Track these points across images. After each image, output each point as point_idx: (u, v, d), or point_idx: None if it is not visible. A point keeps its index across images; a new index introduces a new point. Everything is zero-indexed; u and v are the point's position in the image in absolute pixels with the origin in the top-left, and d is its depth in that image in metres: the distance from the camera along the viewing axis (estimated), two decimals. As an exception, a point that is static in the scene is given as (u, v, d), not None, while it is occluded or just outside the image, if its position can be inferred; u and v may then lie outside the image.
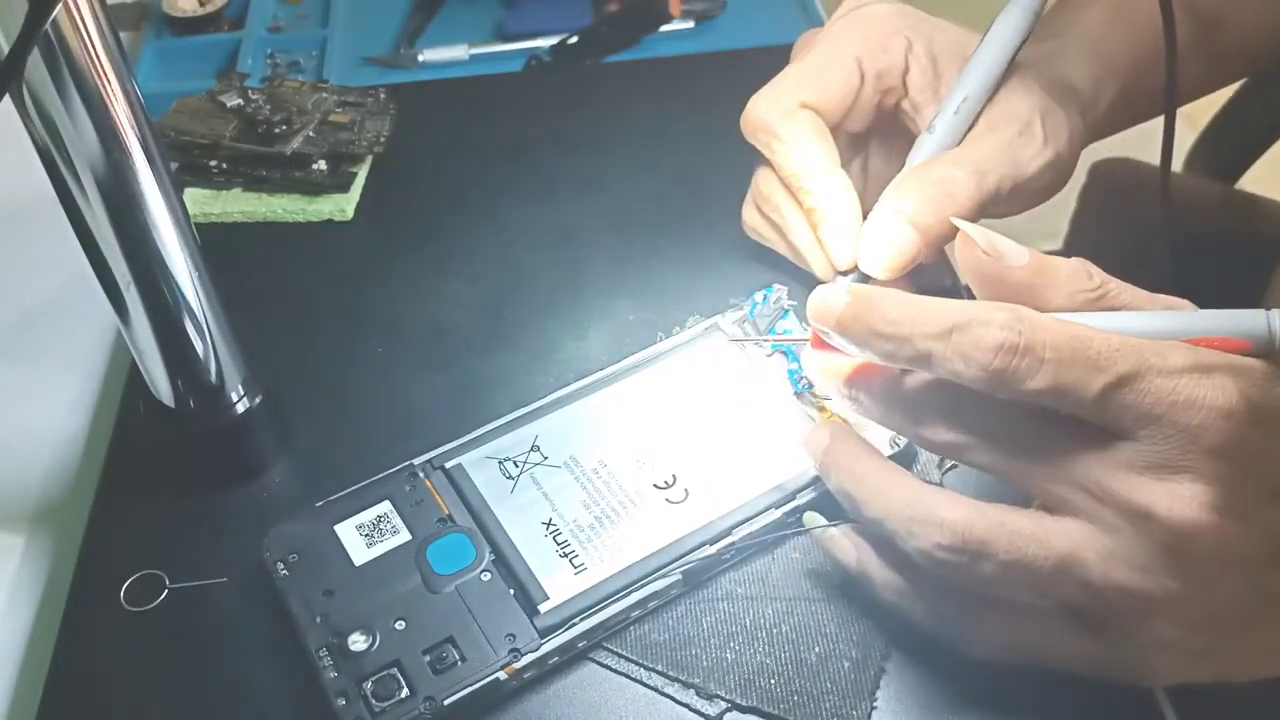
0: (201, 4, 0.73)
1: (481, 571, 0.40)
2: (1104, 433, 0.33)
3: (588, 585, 0.39)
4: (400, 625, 0.39)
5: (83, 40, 0.34)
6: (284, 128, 0.58)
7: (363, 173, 0.59)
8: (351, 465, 0.44)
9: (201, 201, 0.58)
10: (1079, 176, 0.56)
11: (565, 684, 0.39)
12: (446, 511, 0.42)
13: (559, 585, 0.39)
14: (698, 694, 0.38)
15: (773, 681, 0.38)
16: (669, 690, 0.38)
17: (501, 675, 0.37)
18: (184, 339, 0.42)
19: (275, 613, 0.40)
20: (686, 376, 0.47)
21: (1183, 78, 0.53)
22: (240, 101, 0.59)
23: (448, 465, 0.43)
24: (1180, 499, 0.32)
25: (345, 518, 0.42)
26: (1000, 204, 0.45)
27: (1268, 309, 0.35)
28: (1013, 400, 0.33)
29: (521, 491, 0.42)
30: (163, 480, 0.45)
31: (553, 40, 0.69)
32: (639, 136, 0.61)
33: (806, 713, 0.38)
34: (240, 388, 0.44)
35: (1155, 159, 0.49)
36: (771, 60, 0.50)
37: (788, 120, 0.47)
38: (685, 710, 0.38)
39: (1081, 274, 0.35)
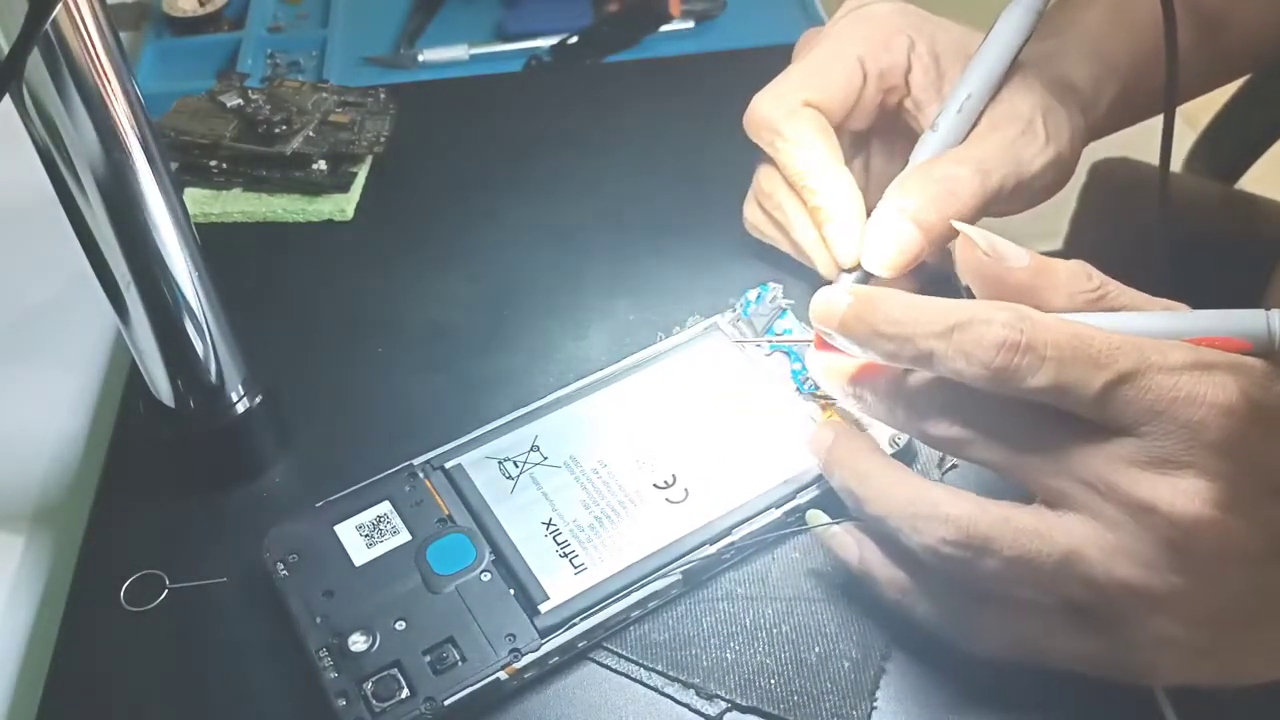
0: (201, 4, 0.73)
1: (481, 572, 0.40)
2: (1106, 429, 0.33)
3: (588, 585, 0.39)
4: (400, 625, 0.39)
5: (83, 40, 0.34)
6: (284, 128, 0.58)
7: (363, 173, 0.59)
8: (351, 465, 0.44)
9: (201, 201, 0.58)
10: (1079, 176, 0.56)
11: (565, 684, 0.39)
12: (446, 512, 0.42)
13: (559, 585, 0.39)
14: (698, 694, 0.38)
15: (773, 681, 0.38)
16: (669, 690, 0.38)
17: (502, 675, 0.37)
18: (184, 339, 0.42)
19: (275, 613, 0.40)
20: (686, 376, 0.47)
21: (1184, 77, 0.53)
22: (240, 101, 0.59)
23: (448, 465, 0.43)
24: (1183, 494, 0.32)
25: (345, 518, 0.42)
26: (1003, 202, 0.45)
27: (1267, 309, 0.35)
28: (1015, 398, 0.33)
29: (521, 491, 0.42)
30: (163, 480, 0.45)
31: (553, 40, 0.69)
32: (639, 136, 0.61)
33: (806, 713, 0.38)
34: (240, 388, 0.44)
35: (1155, 159, 0.49)
36: (772, 60, 0.50)
37: (791, 119, 0.47)
38: (685, 710, 0.38)
39: (1081, 275, 0.35)
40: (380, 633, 0.38)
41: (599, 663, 0.39)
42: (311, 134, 0.58)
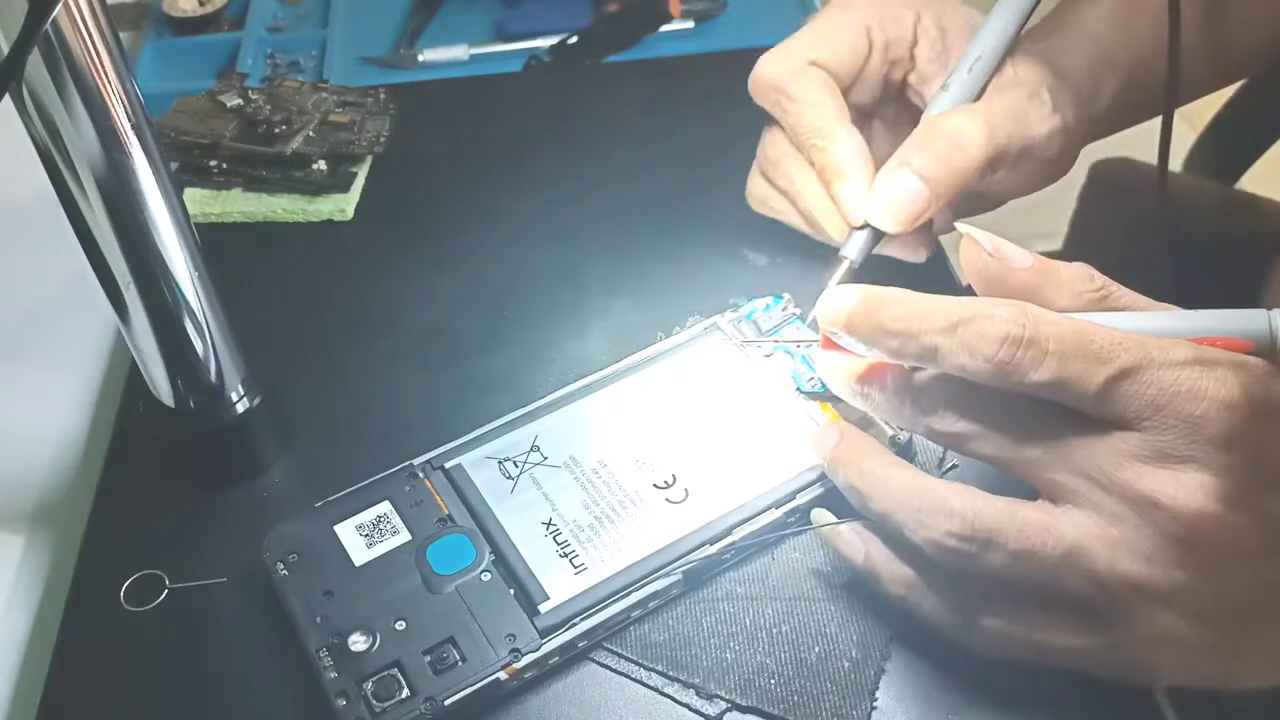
0: (201, 4, 0.73)
1: (481, 571, 0.40)
2: (1108, 424, 0.33)
3: (588, 585, 0.39)
4: (400, 625, 0.39)
5: (83, 40, 0.34)
6: (284, 128, 0.58)
7: (363, 173, 0.59)
8: (351, 465, 0.44)
9: (201, 201, 0.58)
10: (1079, 176, 0.56)
11: (565, 684, 0.39)
12: (446, 512, 0.42)
13: (559, 585, 0.39)
14: (698, 694, 0.38)
15: (773, 681, 0.38)
16: (669, 690, 0.38)
17: (502, 675, 0.37)
18: (184, 339, 0.42)
19: (275, 613, 0.40)
20: (686, 376, 0.47)
21: (1184, 77, 0.53)
22: (240, 101, 0.59)
23: (448, 465, 0.43)
24: (1185, 488, 0.32)
25: (345, 518, 0.42)
26: (1008, 165, 0.45)
27: (1269, 309, 0.35)
28: (1018, 393, 0.34)
29: (521, 491, 0.42)
30: (163, 480, 0.45)
31: (553, 40, 0.69)
32: (639, 136, 0.61)
33: (806, 713, 0.38)
34: (240, 388, 0.44)
35: (1155, 159, 0.49)
36: (772, 60, 0.50)
37: (798, 78, 0.47)
38: (685, 710, 0.38)
39: (1084, 276, 0.36)
40: (380, 633, 0.38)
41: (599, 663, 0.39)
42: (311, 134, 0.58)
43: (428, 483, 0.43)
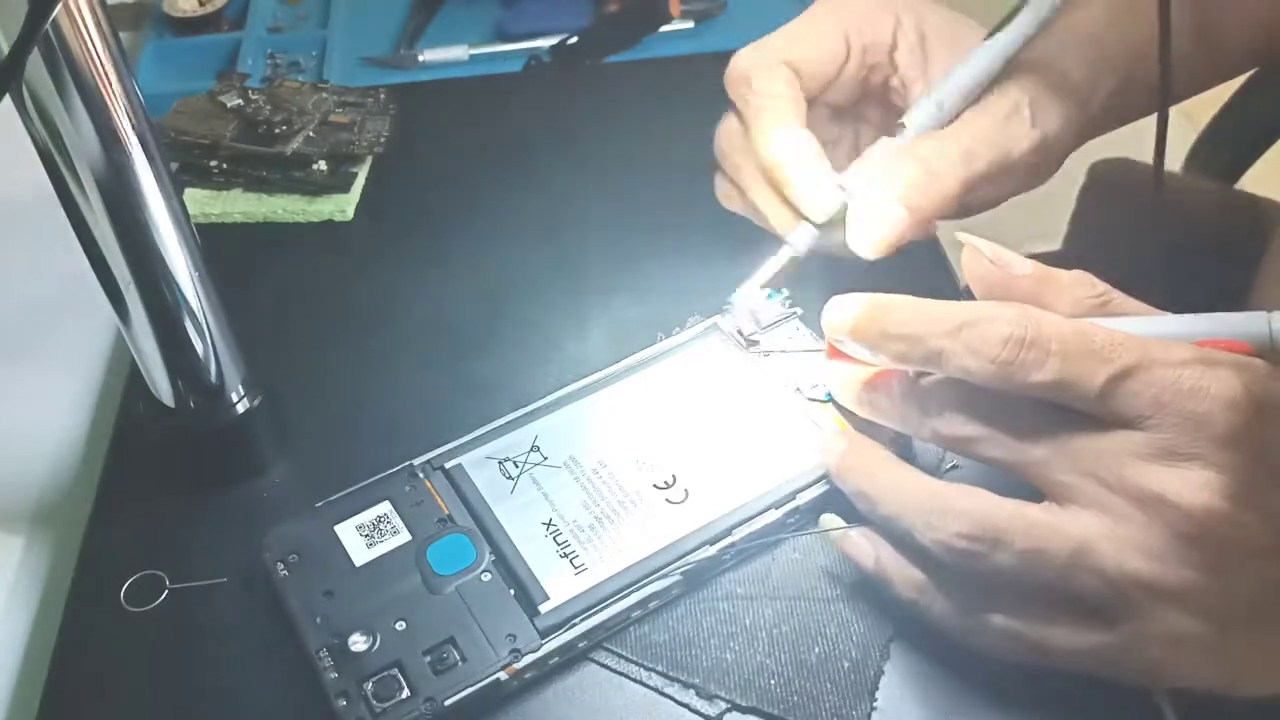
0: (201, 4, 0.73)
1: (482, 572, 0.40)
2: (1112, 424, 0.33)
3: (588, 585, 0.39)
4: (401, 626, 0.39)
5: (83, 40, 0.34)
6: (284, 128, 0.58)
7: (363, 173, 0.59)
8: (351, 465, 0.44)
9: (201, 201, 0.58)
10: (1079, 176, 0.56)
11: (565, 684, 0.39)
12: (446, 512, 0.42)
13: (559, 585, 0.39)
14: (698, 694, 0.38)
15: (773, 681, 0.38)
16: (669, 690, 0.38)
17: (502, 675, 0.37)
18: (184, 339, 0.42)
19: (275, 613, 0.40)
20: (686, 376, 0.47)
21: (1181, 74, 0.53)
22: (240, 102, 0.59)
23: (448, 465, 0.43)
24: (1190, 485, 0.32)
25: (345, 518, 0.42)
26: (986, 185, 0.45)
27: (1268, 310, 0.35)
28: (1021, 394, 0.34)
29: (521, 492, 0.42)
30: (163, 480, 0.45)
31: (552, 40, 0.69)
32: (639, 136, 0.61)
33: (806, 713, 0.38)
34: (240, 388, 0.44)
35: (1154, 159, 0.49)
36: (772, 60, 0.50)
37: (764, 73, 0.47)
38: (685, 710, 0.38)
39: (1085, 282, 0.36)
40: (380, 633, 0.38)
41: (599, 663, 0.39)
42: (311, 134, 0.58)
43: (428, 483, 0.43)
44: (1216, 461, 0.32)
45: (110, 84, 0.35)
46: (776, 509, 0.41)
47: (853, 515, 0.40)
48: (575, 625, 0.38)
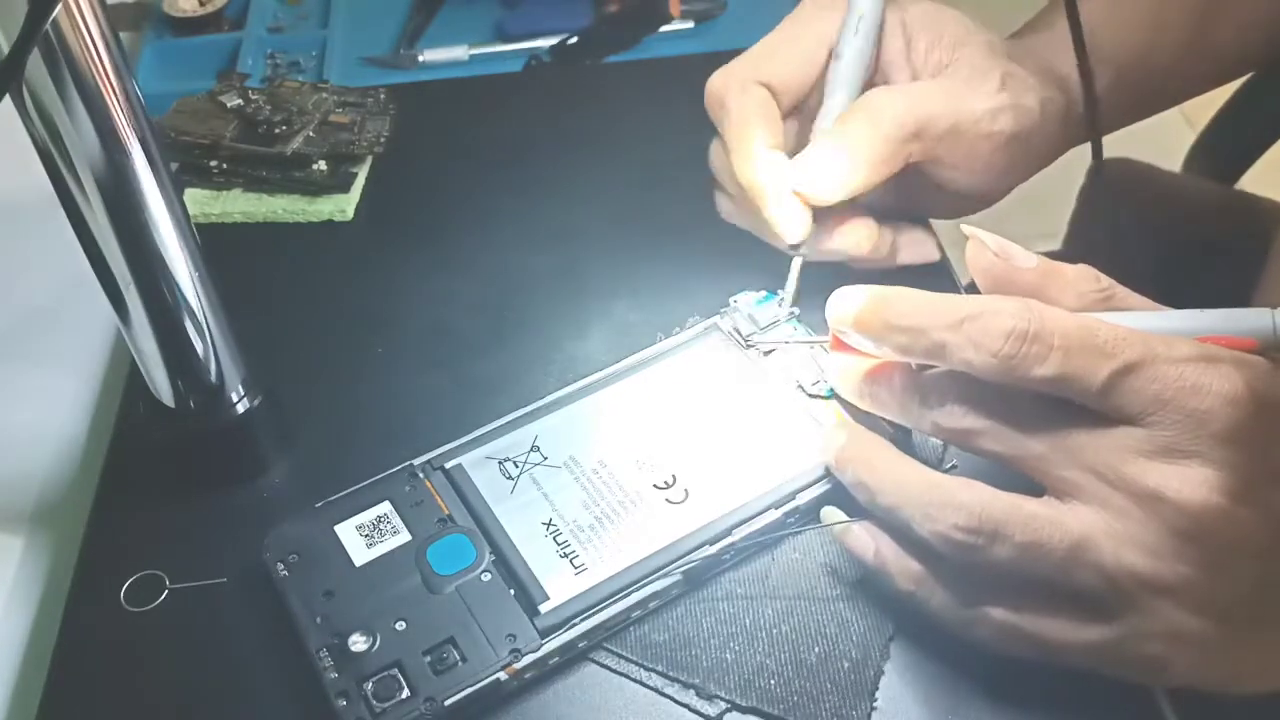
0: (201, 4, 0.73)
1: (482, 572, 0.40)
2: (1114, 420, 0.33)
3: (588, 585, 0.39)
4: (401, 626, 0.39)
5: (83, 40, 0.34)
6: (284, 128, 0.58)
7: (363, 173, 0.59)
8: (351, 465, 0.44)
9: (201, 201, 0.58)
10: (1079, 176, 0.56)
11: (565, 684, 0.39)
12: (446, 512, 0.42)
13: (559, 585, 0.39)
14: (698, 694, 0.38)
15: (773, 681, 0.38)
16: (669, 690, 0.38)
17: (502, 675, 0.37)
18: (184, 339, 0.42)
19: (275, 613, 0.40)
20: (686, 376, 0.47)
21: (1178, 75, 0.53)
22: (240, 102, 0.59)
23: (448, 465, 0.43)
24: (1190, 482, 0.32)
25: (345, 518, 0.42)
26: (941, 139, 0.46)
27: (1273, 308, 0.35)
28: (1023, 389, 0.34)
29: (521, 492, 0.42)
30: (163, 480, 0.45)
31: (553, 40, 0.69)
32: (639, 136, 0.61)
33: (806, 713, 0.38)
34: (240, 388, 0.44)
35: (1155, 159, 0.49)
36: (771, 60, 0.50)
37: (737, 96, 0.48)
38: (685, 710, 0.38)
39: (1089, 276, 0.36)
40: (380, 633, 0.38)
41: (599, 663, 0.39)
42: (311, 134, 0.58)
43: (428, 483, 0.43)
44: (1216, 459, 0.32)
45: (110, 84, 0.35)
46: (776, 509, 0.41)
47: (854, 510, 0.40)
48: (575, 625, 0.38)
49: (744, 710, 0.38)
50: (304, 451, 0.47)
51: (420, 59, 0.69)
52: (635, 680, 0.39)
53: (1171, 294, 0.37)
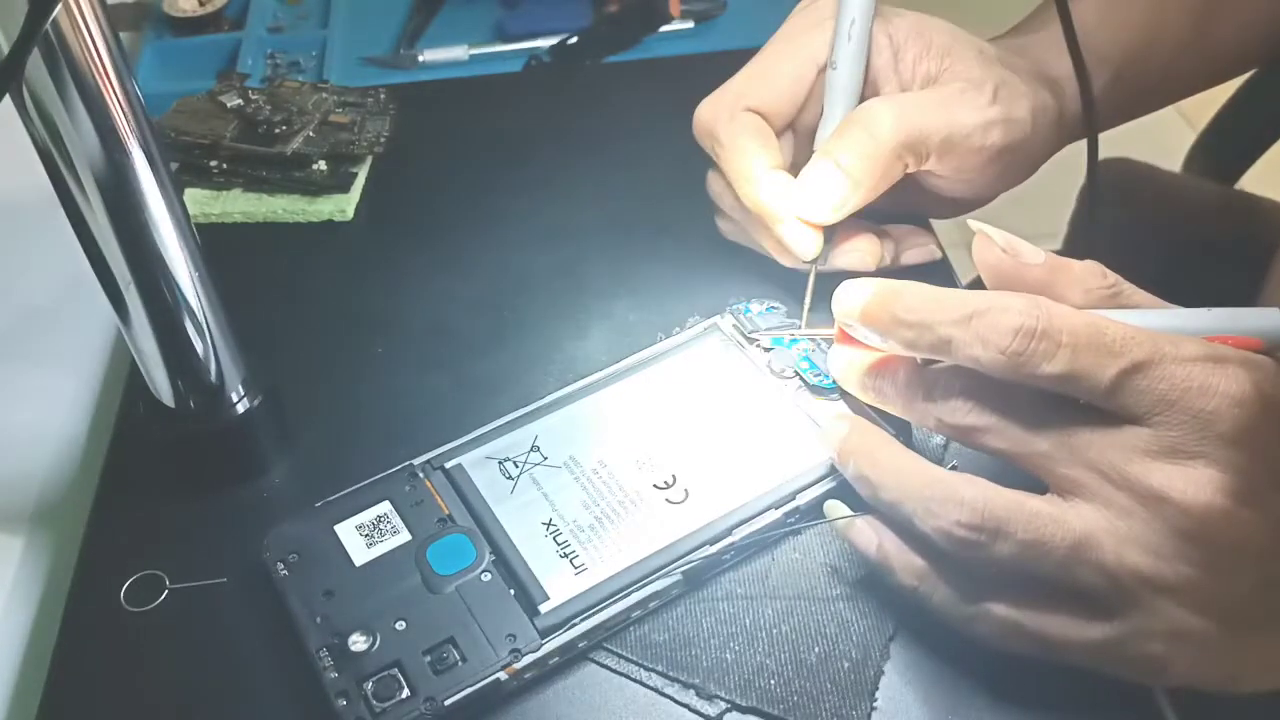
0: (201, 4, 0.73)
1: (482, 572, 0.40)
2: (1119, 419, 0.33)
3: (588, 585, 0.39)
4: (401, 625, 0.39)
5: (83, 40, 0.34)
6: (284, 128, 0.58)
7: (363, 173, 0.59)
8: (351, 465, 0.44)
9: (201, 201, 0.58)
10: (1079, 176, 0.56)
11: (565, 684, 0.39)
12: (446, 511, 0.42)
13: (559, 585, 0.39)
14: (698, 694, 0.38)
15: (773, 681, 0.38)
16: (669, 690, 0.38)
17: (502, 675, 0.37)
18: (184, 339, 0.42)
19: (275, 613, 0.40)
20: (686, 376, 0.47)
21: (1176, 74, 0.53)
22: (240, 102, 0.59)
23: (448, 465, 0.43)
24: (1194, 483, 0.32)
25: (345, 518, 0.42)
26: (934, 154, 0.46)
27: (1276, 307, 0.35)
28: (1030, 386, 0.34)
29: (521, 492, 0.42)
30: (163, 480, 0.45)
31: (552, 40, 0.69)
32: (639, 136, 0.61)
33: (806, 713, 0.38)
34: (240, 388, 0.44)
35: (1155, 159, 0.49)
36: (771, 60, 0.50)
37: (728, 124, 0.48)
38: (685, 710, 0.38)
39: (1097, 273, 0.36)
40: (380, 633, 0.38)
41: (599, 663, 0.39)
42: (311, 134, 0.58)
43: (428, 483, 0.43)
44: (1220, 460, 0.32)
45: (110, 84, 0.35)
46: (776, 509, 0.41)
47: (858, 505, 0.40)
48: (575, 625, 0.38)
49: (744, 710, 0.38)
50: (304, 451, 0.47)
51: (420, 59, 0.69)
52: (635, 680, 0.39)
53: (1172, 294, 0.37)
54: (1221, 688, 0.35)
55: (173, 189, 0.39)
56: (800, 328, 0.48)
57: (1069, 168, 0.56)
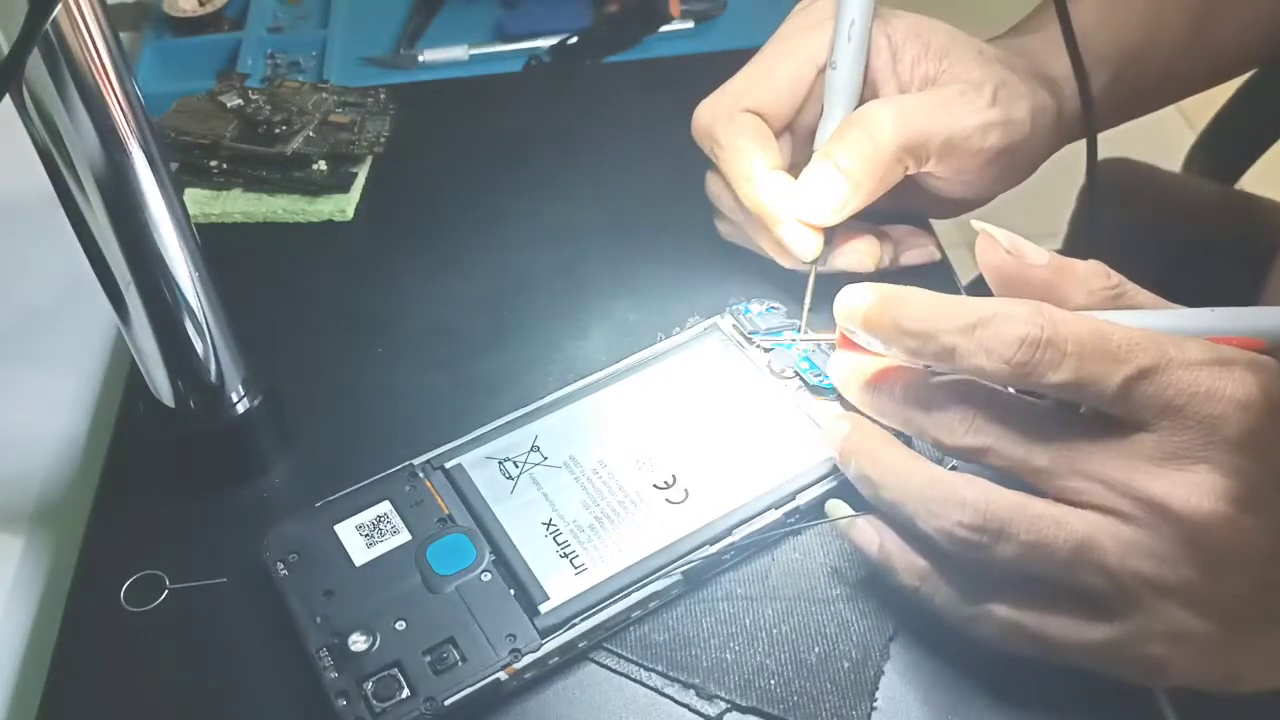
0: (201, 4, 0.73)
1: (482, 572, 0.40)
2: (1121, 425, 0.33)
3: (588, 585, 0.39)
4: (401, 625, 0.39)
5: (83, 40, 0.34)
6: (284, 128, 0.58)
7: (363, 173, 0.59)
8: (351, 465, 0.44)
9: (201, 201, 0.58)
10: (1079, 176, 0.56)
11: (565, 684, 0.39)
12: (446, 511, 0.42)
13: (559, 585, 0.39)
14: (698, 694, 0.38)
15: (773, 681, 0.38)
16: (669, 690, 0.38)
17: (502, 675, 0.37)
18: (184, 339, 0.42)
19: (275, 613, 0.40)
20: (686, 376, 0.47)
21: (1175, 74, 0.53)
22: (240, 102, 0.59)
23: (448, 465, 0.43)
24: (1197, 490, 0.32)
25: (345, 518, 0.42)
26: (934, 156, 0.46)
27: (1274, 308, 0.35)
28: (1033, 396, 0.34)
29: (521, 491, 0.42)
30: (163, 480, 0.45)
31: (552, 40, 0.69)
32: (639, 136, 0.61)
33: (806, 713, 0.38)
34: (240, 388, 0.44)
35: (1155, 159, 0.49)
36: (771, 60, 0.49)
37: (727, 125, 0.48)
38: (685, 710, 0.38)
39: (1100, 273, 0.36)
40: (380, 633, 0.38)
41: (599, 663, 0.39)
42: (311, 134, 0.58)
43: (428, 483, 0.43)
44: (1224, 465, 0.32)
45: (110, 84, 0.35)
46: (776, 509, 0.41)
47: (860, 504, 0.40)
48: (575, 625, 0.38)
49: (744, 710, 0.38)
50: (304, 451, 0.47)
51: (420, 59, 0.69)
52: (635, 680, 0.39)
53: (1172, 294, 0.37)
54: (1222, 688, 0.35)
55: (173, 189, 0.39)
56: (800, 328, 0.48)
57: (1069, 168, 0.56)
